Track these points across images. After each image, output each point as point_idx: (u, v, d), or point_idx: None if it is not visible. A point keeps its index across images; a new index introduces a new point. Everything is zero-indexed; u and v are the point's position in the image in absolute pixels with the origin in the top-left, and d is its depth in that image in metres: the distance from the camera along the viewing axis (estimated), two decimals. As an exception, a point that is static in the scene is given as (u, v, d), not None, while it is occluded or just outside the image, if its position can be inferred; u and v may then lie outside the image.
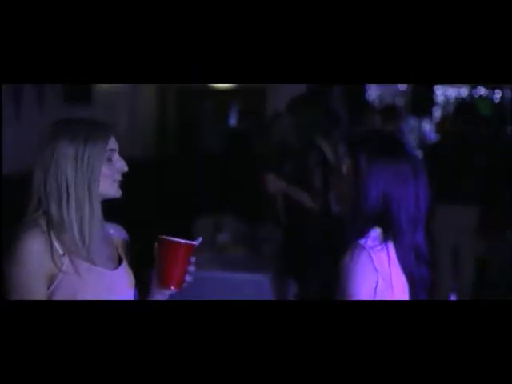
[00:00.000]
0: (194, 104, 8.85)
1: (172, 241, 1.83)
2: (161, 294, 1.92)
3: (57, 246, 1.78)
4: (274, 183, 4.06)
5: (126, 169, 1.88)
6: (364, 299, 1.79)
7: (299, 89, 7.92)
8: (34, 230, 1.77)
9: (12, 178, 4.88)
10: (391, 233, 1.86)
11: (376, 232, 1.88)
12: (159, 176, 8.05)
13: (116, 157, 1.87)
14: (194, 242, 1.86)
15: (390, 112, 6.11)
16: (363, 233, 1.86)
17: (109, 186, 1.85)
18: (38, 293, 1.76)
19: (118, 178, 1.87)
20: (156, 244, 1.86)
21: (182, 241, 1.84)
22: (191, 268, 1.89)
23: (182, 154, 8.74)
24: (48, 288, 1.77)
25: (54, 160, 1.80)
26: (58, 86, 5.93)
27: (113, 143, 1.86)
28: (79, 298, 1.77)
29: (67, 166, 1.80)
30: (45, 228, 1.78)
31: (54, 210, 1.80)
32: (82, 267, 1.80)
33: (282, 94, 8.01)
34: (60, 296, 1.77)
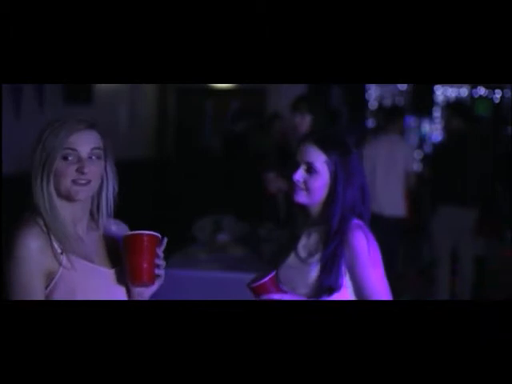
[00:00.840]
0: (194, 104, 8.85)
1: (134, 233, 1.81)
2: (140, 298, 1.87)
3: (55, 244, 1.78)
4: (275, 182, 4.06)
5: (84, 172, 1.79)
6: (382, 271, 2.00)
7: (299, 89, 7.95)
8: (33, 228, 1.77)
9: (12, 178, 4.88)
10: (365, 213, 2.09)
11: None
12: (159, 176, 8.05)
13: (75, 158, 1.80)
14: (156, 234, 1.83)
15: (391, 112, 6.10)
16: (352, 217, 2.04)
17: (68, 185, 1.80)
18: (37, 291, 1.75)
19: (79, 179, 1.80)
20: (121, 244, 1.83)
21: (144, 232, 1.81)
22: (160, 261, 1.84)
23: (182, 154, 8.74)
24: (47, 286, 1.77)
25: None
26: (57, 86, 5.93)
27: (76, 143, 1.79)
28: (79, 294, 1.77)
29: (33, 157, 1.80)
30: (43, 226, 1.78)
31: (34, 203, 1.80)
32: (80, 265, 1.79)
33: (282, 94, 8.03)
34: (60, 293, 1.77)
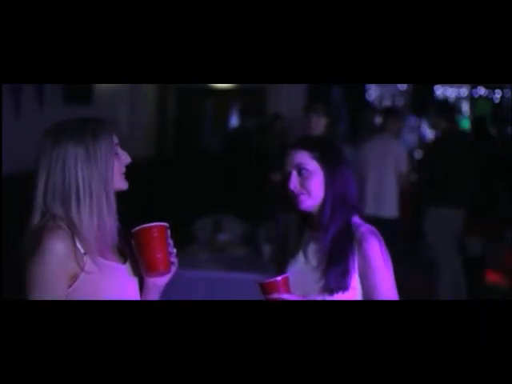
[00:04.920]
0: (194, 104, 8.86)
1: (143, 227, 1.84)
2: (155, 288, 1.90)
3: (79, 245, 1.78)
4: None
5: (129, 160, 1.89)
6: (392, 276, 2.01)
7: (299, 89, 7.95)
8: (59, 231, 1.76)
9: (12, 178, 4.89)
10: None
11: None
12: (159, 176, 8.06)
13: (120, 150, 1.87)
14: (163, 224, 1.87)
15: (391, 112, 6.10)
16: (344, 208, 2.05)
17: (118, 179, 1.86)
18: (60, 291, 1.76)
19: (124, 170, 1.88)
20: (132, 240, 1.86)
21: (152, 224, 1.85)
22: (171, 249, 1.88)
23: (183, 154, 8.75)
24: (70, 286, 1.77)
25: (59, 164, 1.78)
26: (57, 86, 5.93)
27: (115, 137, 1.87)
28: (99, 293, 1.78)
29: (78, 167, 1.78)
30: (67, 230, 1.77)
31: (61, 214, 1.79)
32: (102, 264, 1.80)
33: (282, 94, 8.04)
34: (81, 293, 1.77)
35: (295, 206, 2.05)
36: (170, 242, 1.89)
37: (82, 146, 1.79)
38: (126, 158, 1.88)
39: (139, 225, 1.86)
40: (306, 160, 2.04)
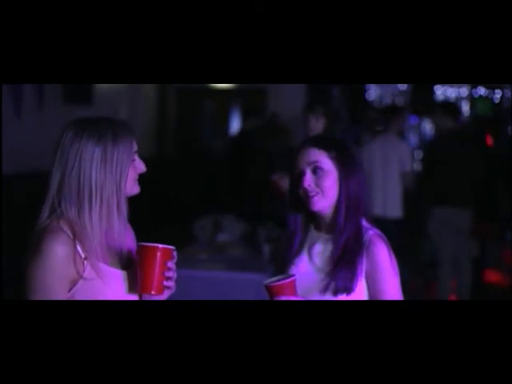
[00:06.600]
0: (194, 104, 8.86)
1: (148, 245, 1.80)
2: None
3: (80, 250, 1.75)
4: (282, 183, 4.07)
5: (144, 169, 1.85)
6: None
7: (299, 89, 7.94)
8: (61, 235, 1.73)
9: (12, 178, 4.89)
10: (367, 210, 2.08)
11: None
12: (159, 176, 8.06)
13: (137, 158, 1.85)
14: (170, 247, 1.82)
15: (389, 111, 6.09)
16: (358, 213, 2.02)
17: (131, 185, 1.82)
18: (60, 295, 1.73)
19: (137, 177, 1.85)
20: (135, 253, 1.83)
21: (159, 245, 1.80)
22: (170, 273, 1.81)
23: (182, 154, 8.75)
24: (70, 289, 1.75)
25: (76, 161, 1.75)
26: (57, 86, 5.94)
27: (135, 145, 1.84)
28: (99, 297, 1.76)
29: (93, 167, 1.75)
30: (70, 233, 1.74)
31: (72, 213, 1.76)
32: (102, 270, 1.78)
33: (282, 94, 8.04)
34: (81, 295, 1.75)
35: (307, 205, 2.00)
36: (172, 265, 1.81)
37: (101, 147, 1.76)
38: (141, 167, 1.84)
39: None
40: (322, 159, 1.99)
